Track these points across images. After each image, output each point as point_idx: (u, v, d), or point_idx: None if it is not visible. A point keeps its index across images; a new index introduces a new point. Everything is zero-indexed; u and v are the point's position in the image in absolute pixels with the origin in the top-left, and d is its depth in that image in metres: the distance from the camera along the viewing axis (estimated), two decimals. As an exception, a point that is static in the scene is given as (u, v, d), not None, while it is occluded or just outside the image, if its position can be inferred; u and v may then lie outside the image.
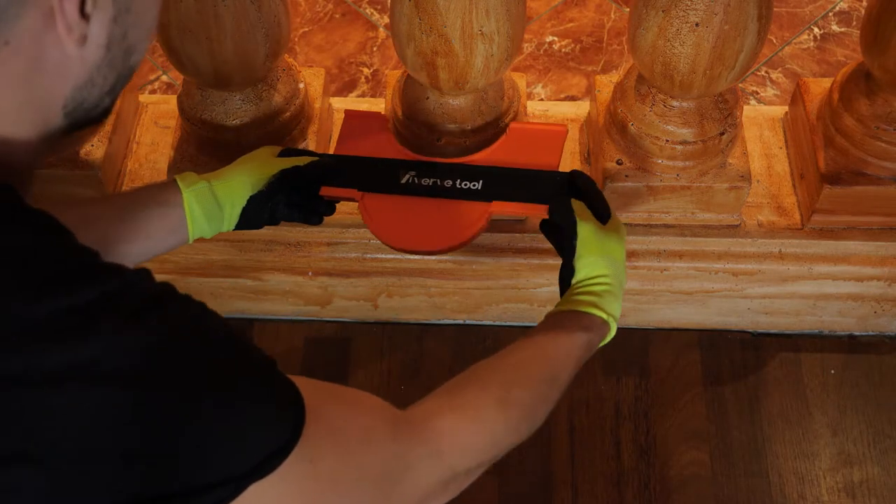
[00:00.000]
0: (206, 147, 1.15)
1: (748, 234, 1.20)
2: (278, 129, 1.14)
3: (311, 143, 1.17)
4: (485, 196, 1.00)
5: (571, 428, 1.23)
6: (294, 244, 1.22)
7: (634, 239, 1.20)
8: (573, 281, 0.89)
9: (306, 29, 1.72)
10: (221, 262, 1.24)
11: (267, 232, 1.20)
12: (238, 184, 0.97)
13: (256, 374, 0.61)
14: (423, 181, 1.02)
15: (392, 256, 1.22)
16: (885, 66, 1.07)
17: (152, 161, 1.25)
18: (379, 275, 1.25)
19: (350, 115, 1.10)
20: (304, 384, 0.63)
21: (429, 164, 1.03)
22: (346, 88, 1.64)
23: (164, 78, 1.66)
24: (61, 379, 0.53)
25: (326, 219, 1.22)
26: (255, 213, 0.98)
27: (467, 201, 1.01)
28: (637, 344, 1.30)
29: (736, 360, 1.29)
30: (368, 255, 1.22)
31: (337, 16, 1.74)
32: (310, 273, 1.25)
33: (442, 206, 1.01)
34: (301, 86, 1.17)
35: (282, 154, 1.02)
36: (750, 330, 1.31)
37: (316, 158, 1.02)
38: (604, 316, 0.87)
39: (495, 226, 1.20)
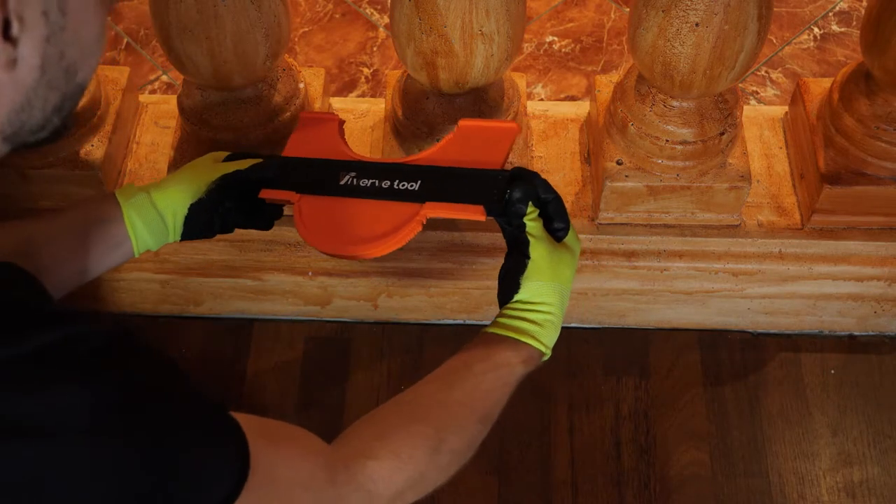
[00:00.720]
0: (207, 147, 1.15)
1: (748, 234, 1.20)
2: (278, 129, 1.14)
3: (311, 143, 1.18)
4: (420, 197, 0.95)
5: (571, 428, 1.23)
6: (294, 244, 1.22)
7: (634, 239, 1.20)
8: (516, 297, 0.87)
9: (306, 29, 1.72)
10: (221, 262, 1.24)
11: (267, 232, 1.20)
12: (177, 192, 0.94)
13: (202, 424, 0.61)
14: (361, 182, 0.98)
15: (392, 256, 1.22)
16: (885, 66, 1.07)
17: (152, 161, 1.25)
18: (379, 275, 1.25)
19: (304, 117, 1.06)
20: (248, 426, 0.64)
21: (369, 165, 0.99)
22: (346, 88, 1.64)
23: (164, 78, 1.66)
24: (5, 433, 0.51)
25: (326, 219, 1.22)
26: (200, 222, 0.95)
27: (402, 203, 0.95)
28: (637, 344, 1.30)
29: (736, 360, 1.29)
30: (368, 255, 1.23)
31: (337, 16, 1.74)
32: (310, 273, 1.25)
33: (376, 209, 0.96)
34: (301, 86, 1.17)
35: (227, 159, 0.99)
36: (750, 330, 1.31)
37: (259, 161, 0.99)
38: (543, 349, 0.86)
39: (495, 226, 1.20)
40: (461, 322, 1.32)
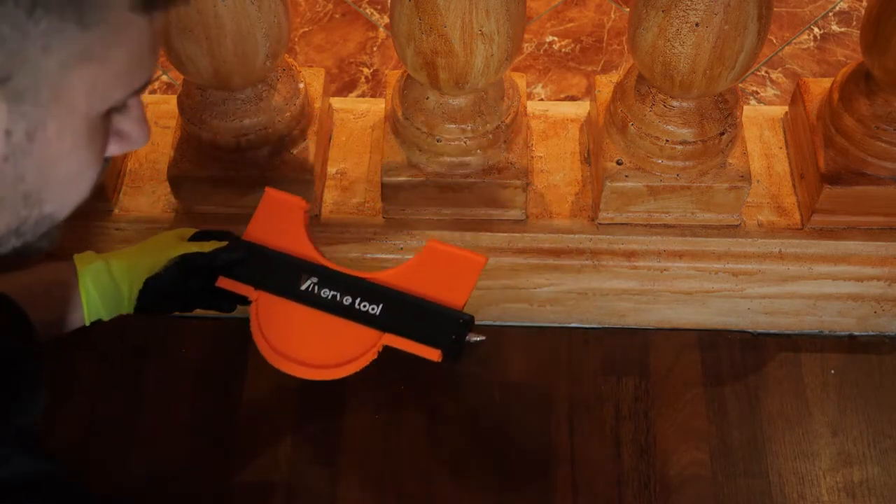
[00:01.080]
0: (206, 147, 1.15)
1: (748, 234, 1.20)
2: (278, 130, 1.14)
3: (311, 143, 1.17)
4: (380, 324, 0.95)
5: (571, 428, 1.23)
6: (294, 244, 1.22)
7: (634, 239, 1.20)
8: None
9: (306, 29, 1.72)
10: (221, 262, 1.24)
11: (267, 232, 1.20)
12: (136, 264, 0.93)
13: None
14: (322, 292, 0.96)
15: (392, 256, 1.22)
16: (885, 67, 1.07)
17: (152, 161, 1.25)
18: (379, 275, 1.25)
19: (269, 195, 1.03)
20: None
21: (333, 274, 0.97)
22: (346, 88, 1.64)
23: (164, 78, 1.66)
24: None
25: (326, 218, 1.22)
26: (156, 297, 0.94)
27: (361, 327, 0.95)
28: (637, 344, 1.30)
29: (736, 360, 1.29)
30: (368, 255, 1.22)
31: (337, 16, 1.74)
32: (310, 273, 1.25)
33: (334, 327, 0.95)
34: (301, 86, 1.17)
35: (193, 237, 0.99)
36: (750, 330, 1.31)
37: (224, 244, 0.97)
38: None
39: (495, 225, 1.20)
40: (461, 322, 1.32)
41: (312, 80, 1.22)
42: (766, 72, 1.65)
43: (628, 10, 1.45)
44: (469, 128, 1.12)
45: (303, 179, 1.16)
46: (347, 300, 0.96)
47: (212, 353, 1.28)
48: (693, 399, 1.26)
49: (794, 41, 1.69)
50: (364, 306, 0.95)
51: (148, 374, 1.27)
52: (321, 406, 1.24)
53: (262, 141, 1.14)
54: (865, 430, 1.23)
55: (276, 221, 1.01)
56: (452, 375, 1.27)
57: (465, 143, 1.12)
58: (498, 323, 1.32)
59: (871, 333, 1.31)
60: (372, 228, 1.21)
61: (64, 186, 0.59)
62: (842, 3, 1.74)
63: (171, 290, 0.95)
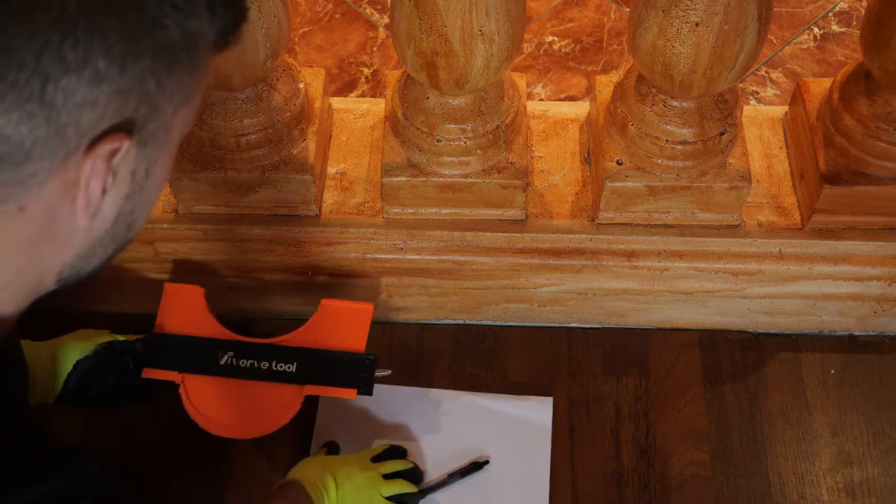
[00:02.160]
0: (206, 147, 1.15)
1: (748, 234, 1.20)
2: (278, 130, 1.14)
3: (311, 143, 1.17)
4: (299, 379, 1.07)
5: (571, 428, 1.23)
6: (294, 244, 1.22)
7: (634, 239, 1.20)
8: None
9: (306, 29, 1.72)
10: (221, 262, 1.24)
11: (267, 232, 1.20)
12: (67, 348, 1.00)
13: None
14: (241, 362, 1.08)
15: (392, 256, 1.22)
16: (885, 66, 1.07)
17: (152, 161, 1.25)
18: (379, 275, 1.25)
19: (168, 289, 1.13)
20: None
21: (245, 345, 1.09)
22: (346, 88, 1.64)
23: (164, 78, 1.66)
24: None
25: (326, 218, 1.22)
26: (83, 383, 1.00)
27: (282, 385, 1.07)
28: (637, 344, 1.30)
29: (736, 360, 1.29)
30: (368, 255, 1.22)
31: (337, 16, 1.74)
32: (310, 273, 1.25)
33: (259, 389, 1.08)
34: (301, 86, 1.17)
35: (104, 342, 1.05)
36: (750, 330, 1.31)
37: (141, 336, 1.07)
38: None
39: (495, 225, 1.20)
40: (461, 322, 1.32)
41: (312, 80, 1.22)
42: (766, 72, 1.65)
43: (628, 10, 1.45)
44: (469, 128, 1.12)
45: (303, 179, 1.16)
46: (265, 365, 1.08)
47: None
48: (693, 399, 1.26)
49: (794, 41, 1.69)
50: (281, 367, 1.08)
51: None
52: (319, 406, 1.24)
53: (262, 141, 1.14)
54: (865, 430, 1.23)
55: (181, 310, 1.11)
56: (453, 376, 1.27)
57: (465, 143, 1.12)
58: (498, 323, 1.32)
59: (871, 333, 1.31)
60: (372, 228, 1.21)
61: (150, 210, 0.64)
62: (842, 3, 1.74)
63: (98, 373, 1.01)
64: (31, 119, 0.52)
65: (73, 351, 1.00)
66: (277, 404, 1.07)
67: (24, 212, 0.55)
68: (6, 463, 0.55)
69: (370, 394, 1.08)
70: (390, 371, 1.13)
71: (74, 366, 1.00)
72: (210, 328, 1.11)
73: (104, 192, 0.57)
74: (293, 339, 1.10)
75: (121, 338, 1.05)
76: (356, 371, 1.08)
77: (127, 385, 1.05)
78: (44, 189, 0.55)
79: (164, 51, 0.56)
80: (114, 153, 0.56)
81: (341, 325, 1.10)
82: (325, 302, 1.12)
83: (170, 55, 0.57)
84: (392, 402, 1.23)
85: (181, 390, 1.07)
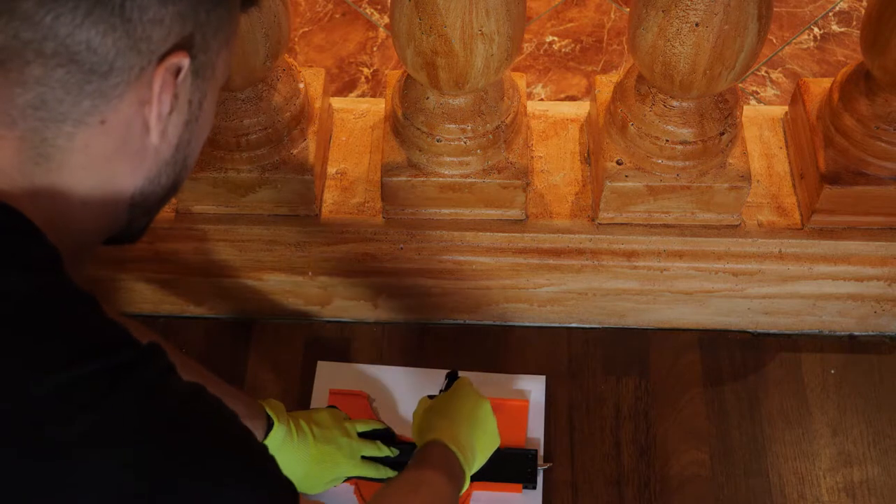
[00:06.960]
0: (206, 147, 1.15)
1: (748, 234, 1.20)
2: (278, 130, 1.14)
3: (311, 143, 1.17)
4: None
5: (571, 428, 1.23)
6: (294, 244, 1.22)
7: (634, 239, 1.20)
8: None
9: (306, 29, 1.72)
10: (221, 262, 1.24)
11: (267, 232, 1.20)
12: (315, 477, 1.07)
13: (261, 467, 0.62)
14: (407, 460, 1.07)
15: (392, 256, 1.22)
16: (885, 67, 1.07)
17: (152, 161, 1.25)
18: (379, 275, 1.25)
19: (333, 397, 1.21)
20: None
21: (410, 446, 1.11)
22: (346, 88, 1.64)
23: (164, 78, 1.66)
24: (71, 451, 0.54)
25: (326, 218, 1.23)
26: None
27: None
28: (637, 344, 1.30)
29: (736, 360, 1.29)
30: (368, 255, 1.22)
31: (337, 16, 1.74)
32: (310, 273, 1.25)
33: None
34: (301, 86, 1.17)
35: (362, 434, 1.13)
36: (750, 330, 1.31)
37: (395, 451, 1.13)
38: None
39: (495, 225, 1.20)
40: (461, 322, 1.32)
41: (312, 80, 1.22)
42: (766, 72, 1.65)
43: (628, 10, 1.45)
44: (469, 128, 1.12)
45: (303, 179, 1.16)
46: None
47: (211, 352, 1.28)
48: (693, 399, 1.26)
49: (794, 41, 1.69)
50: None
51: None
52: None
53: (262, 141, 1.14)
54: (865, 430, 1.23)
55: (347, 411, 1.16)
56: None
57: (465, 143, 1.12)
58: (498, 323, 1.32)
59: (871, 333, 1.31)
60: (372, 228, 1.21)
61: (201, 148, 0.68)
62: (842, 3, 1.74)
63: None
64: (114, 31, 0.57)
65: (318, 483, 1.08)
66: None
67: (105, 125, 0.60)
68: (81, 336, 0.58)
69: (535, 488, 1.15)
70: (551, 464, 1.18)
71: None
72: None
73: (171, 111, 0.62)
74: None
75: (370, 470, 1.11)
76: (520, 466, 1.15)
77: None
78: (122, 103, 0.60)
79: None
80: (178, 71, 0.61)
81: (500, 421, 1.09)
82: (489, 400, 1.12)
83: None
84: (383, 379, 1.25)
85: (355, 492, 1.14)
